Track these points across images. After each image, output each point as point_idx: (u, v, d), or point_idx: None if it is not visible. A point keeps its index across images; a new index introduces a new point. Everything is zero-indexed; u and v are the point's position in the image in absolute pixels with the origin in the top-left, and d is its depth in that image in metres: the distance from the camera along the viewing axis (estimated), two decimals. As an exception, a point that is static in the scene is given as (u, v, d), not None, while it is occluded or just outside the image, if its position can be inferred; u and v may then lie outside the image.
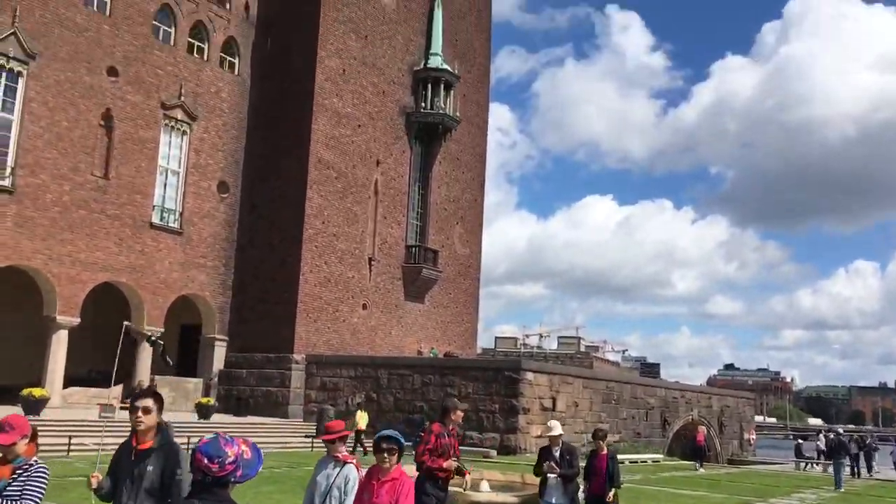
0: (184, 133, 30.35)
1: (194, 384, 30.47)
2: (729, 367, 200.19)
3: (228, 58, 32.47)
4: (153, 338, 26.62)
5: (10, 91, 25.01)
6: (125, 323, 8.71)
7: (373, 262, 33.46)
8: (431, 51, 36.73)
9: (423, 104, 36.06)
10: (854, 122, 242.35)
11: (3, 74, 24.82)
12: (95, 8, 27.68)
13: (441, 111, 36.13)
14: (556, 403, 26.48)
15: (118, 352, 7.76)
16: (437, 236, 36.96)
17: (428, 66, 36.30)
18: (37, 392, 21.71)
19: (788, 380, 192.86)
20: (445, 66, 36.49)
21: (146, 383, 26.42)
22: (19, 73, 25.15)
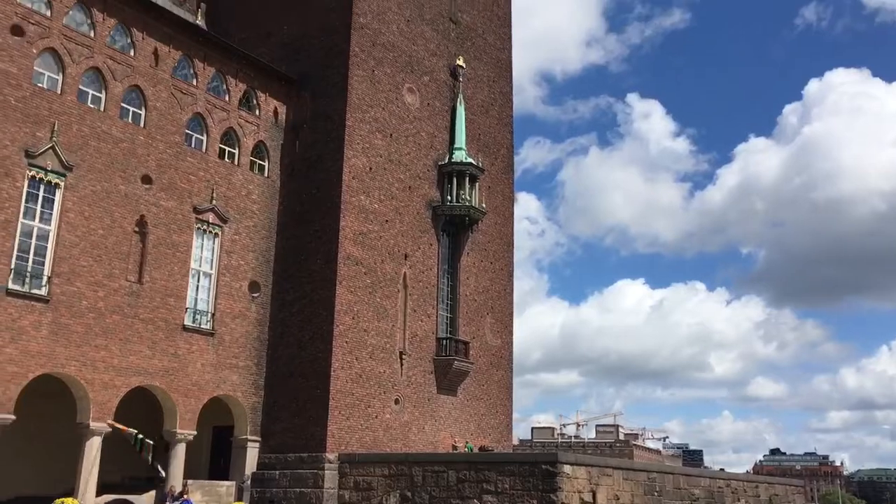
0: (215, 235, 30.93)
1: (227, 487, 30.05)
2: (775, 452, 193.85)
3: (258, 161, 33.36)
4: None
5: (48, 202, 25.80)
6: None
7: (404, 356, 33.29)
8: (455, 145, 37.47)
9: (448, 197, 36.55)
10: (883, 197, 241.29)
11: (41, 187, 25.66)
12: (130, 119, 28.74)
13: (467, 203, 36.57)
14: (597, 497, 25.65)
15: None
16: (467, 327, 36.81)
17: (452, 160, 36.97)
18: (69, 502, 21.51)
19: (838, 464, 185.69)
20: (469, 160, 37.13)
21: (178, 489, 26.11)
22: (56, 185, 25.99)
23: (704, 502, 31.33)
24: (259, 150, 33.44)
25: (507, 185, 41.37)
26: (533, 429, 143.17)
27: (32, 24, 25.95)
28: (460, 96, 38.31)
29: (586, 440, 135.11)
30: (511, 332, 39.63)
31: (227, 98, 32.24)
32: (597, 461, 27.87)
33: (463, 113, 38.16)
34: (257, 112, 33.46)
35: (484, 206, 37.76)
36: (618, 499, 26.64)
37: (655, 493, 28.70)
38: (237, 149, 32.42)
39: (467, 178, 36.89)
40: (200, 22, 35.69)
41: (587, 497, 25.42)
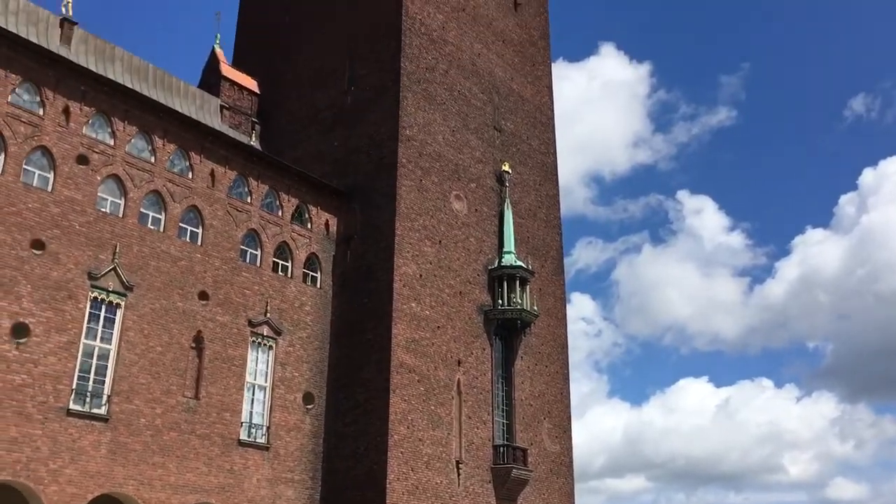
0: (269, 348, 31.24)
1: None
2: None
3: (310, 272, 33.95)
4: None
5: (109, 322, 26.50)
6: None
7: (460, 466, 32.56)
8: (504, 249, 37.69)
9: (500, 301, 36.49)
10: None
11: (103, 307, 26.42)
12: (188, 238, 29.69)
13: (518, 306, 36.42)
14: None
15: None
16: (524, 434, 36.00)
17: (502, 264, 37.11)
18: None
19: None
20: (519, 263, 37.23)
21: None
22: (117, 305, 26.75)
23: None
24: (311, 262, 34.08)
25: (559, 287, 41.20)
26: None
27: (97, 153, 27.37)
28: (507, 201, 38.79)
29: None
30: (570, 437, 38.62)
31: (279, 213, 33.18)
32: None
33: (511, 217, 38.54)
34: (309, 225, 34.29)
35: (536, 308, 37.56)
36: None
37: None
38: (290, 262, 33.10)
39: (518, 282, 36.88)
40: (255, 142, 37.23)
41: None
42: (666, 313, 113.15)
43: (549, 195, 42.47)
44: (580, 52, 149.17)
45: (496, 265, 37.18)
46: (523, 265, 37.35)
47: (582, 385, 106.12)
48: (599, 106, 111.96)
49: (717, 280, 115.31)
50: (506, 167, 39.43)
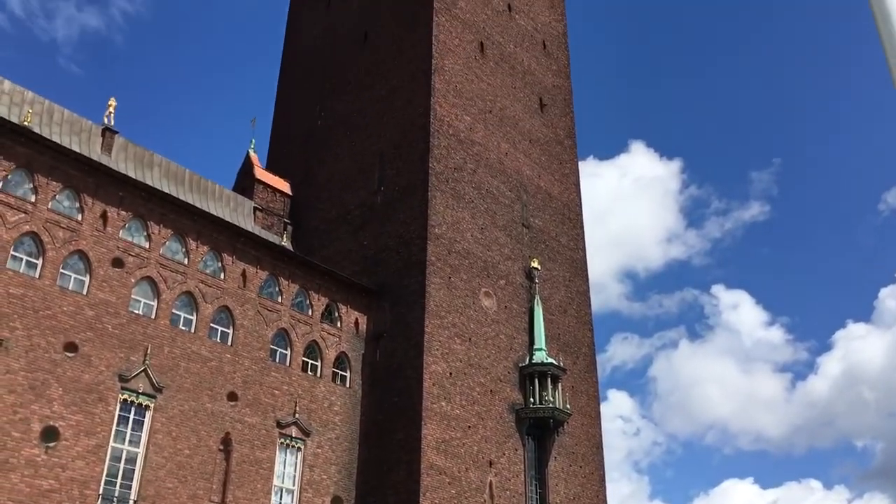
0: (298, 450, 30.85)
1: None
2: None
3: (340, 372, 33.81)
4: None
5: (137, 424, 26.46)
6: None
7: (494, 574, 31.35)
8: (535, 346, 37.32)
9: (531, 399, 35.88)
10: None
11: (132, 410, 26.45)
12: (219, 339, 29.87)
13: (550, 405, 35.76)
14: None
15: None
16: (560, 539, 34.70)
17: (533, 361, 36.68)
18: None
19: None
20: (551, 360, 36.77)
21: None
22: (147, 407, 26.75)
23: None
24: (341, 361, 34.00)
25: (592, 385, 40.47)
26: None
27: (132, 255, 27.98)
28: (537, 297, 38.67)
29: None
30: (607, 543, 37.12)
31: (310, 312, 33.36)
32: None
33: (541, 314, 38.32)
34: (339, 324, 34.37)
35: (569, 406, 36.84)
36: None
37: None
38: (319, 361, 33.05)
39: (549, 379, 36.33)
40: (286, 243, 37.83)
41: None
42: (706, 411, 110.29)
43: (579, 291, 42.28)
44: (611, 149, 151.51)
45: (527, 362, 36.75)
46: (554, 362, 36.88)
47: (622, 486, 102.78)
48: (631, 202, 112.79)
49: (757, 376, 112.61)
50: (535, 263, 39.48)
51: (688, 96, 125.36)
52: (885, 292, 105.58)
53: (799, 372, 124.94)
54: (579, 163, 45.93)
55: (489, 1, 44.32)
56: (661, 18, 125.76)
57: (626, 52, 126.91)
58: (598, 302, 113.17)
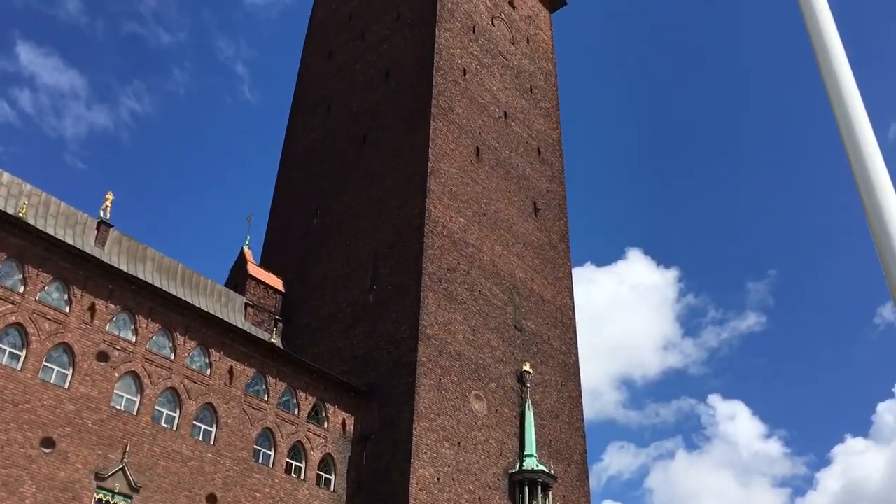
0: (277, 557, 29.64)
1: None
2: None
3: (324, 475, 32.88)
4: None
5: (111, 526, 25.49)
6: None
7: None
8: (526, 452, 36.46)
9: (521, 508, 34.79)
10: None
11: (106, 510, 25.54)
12: (201, 437, 29.17)
13: (541, 515, 34.64)
14: None
15: None
16: None
17: (523, 468, 35.75)
18: None
19: None
20: (541, 467, 35.85)
21: None
22: (122, 508, 25.85)
23: None
24: (326, 463, 33.13)
25: (584, 494, 39.33)
26: None
27: (118, 349, 27.64)
28: (528, 402, 38.05)
29: None
30: None
31: (296, 412, 32.73)
32: None
33: (532, 419, 37.63)
34: (325, 424, 33.67)
35: (559, 516, 35.68)
36: None
37: None
38: (304, 462, 32.19)
39: (539, 487, 35.33)
40: (276, 340, 37.49)
41: None
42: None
43: (571, 396, 41.66)
44: (608, 256, 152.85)
45: (517, 469, 35.82)
46: (545, 469, 35.95)
47: None
48: (628, 310, 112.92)
49: (756, 490, 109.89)
50: (527, 367, 39.05)
51: (686, 205, 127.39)
52: (882, 406, 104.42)
53: (798, 487, 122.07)
54: (576, 268, 46.37)
55: (486, 108, 45.52)
56: (658, 128, 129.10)
57: (625, 161, 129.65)
58: (593, 409, 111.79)
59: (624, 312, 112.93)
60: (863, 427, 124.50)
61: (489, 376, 37.20)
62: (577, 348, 43.34)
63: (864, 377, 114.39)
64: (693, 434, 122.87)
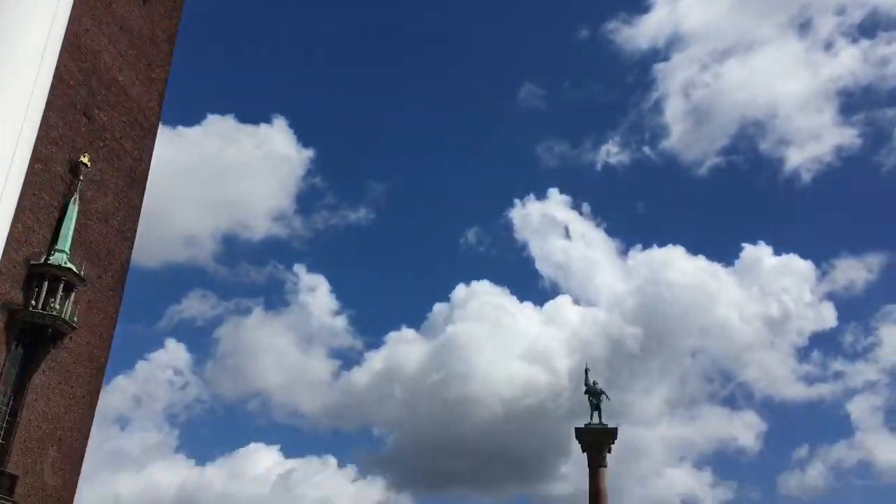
0: None
1: None
2: None
3: None
4: None
5: None
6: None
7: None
8: (57, 246, 33.04)
9: (33, 303, 31.62)
10: (503, 403, 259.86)
11: None
12: None
13: (54, 313, 31.82)
14: None
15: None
16: (22, 458, 30.89)
17: (49, 261, 32.42)
18: None
19: None
20: (70, 266, 32.83)
21: None
22: None
23: None
24: None
25: (114, 305, 37.17)
26: None
27: None
28: (76, 196, 34.37)
29: None
30: (78, 473, 34.07)
31: None
32: None
33: (76, 214, 34.12)
34: None
35: (77, 320, 33.19)
36: None
37: None
38: None
39: (62, 286, 32.39)
40: None
41: None
42: (257, 380, 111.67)
43: (131, 204, 38.70)
44: (252, 117, 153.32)
45: (41, 261, 32.35)
46: (74, 269, 33.01)
47: (150, 436, 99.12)
48: (254, 173, 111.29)
49: (313, 356, 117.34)
50: (85, 159, 35.10)
51: (342, 96, 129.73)
52: (438, 307, 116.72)
53: (349, 360, 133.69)
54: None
55: None
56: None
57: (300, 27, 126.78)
58: (187, 254, 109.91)
59: (250, 174, 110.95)
60: (418, 321, 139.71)
61: (34, 156, 32.57)
62: (150, 157, 40.12)
63: (434, 280, 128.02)
64: (274, 296, 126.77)
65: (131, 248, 38.69)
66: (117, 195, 37.76)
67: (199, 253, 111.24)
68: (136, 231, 39.13)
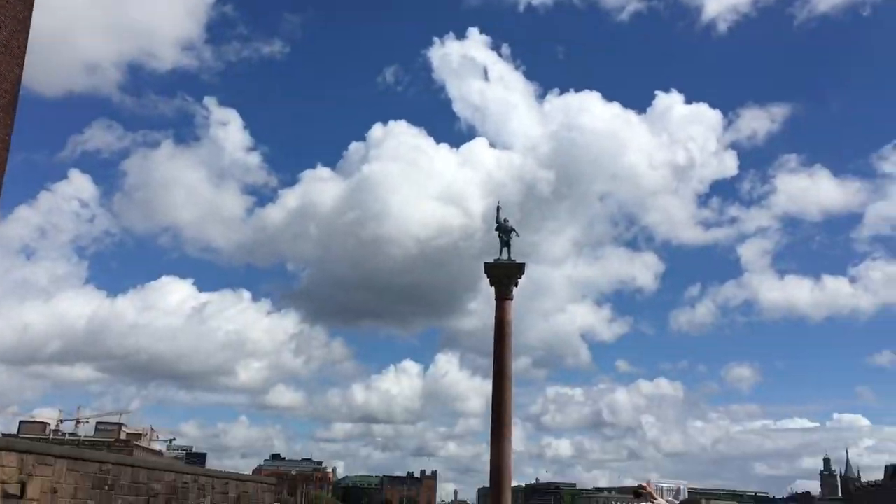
0: None
1: None
2: (276, 457, 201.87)
3: None
4: None
5: None
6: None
7: None
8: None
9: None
10: (417, 242, 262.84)
11: None
12: None
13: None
14: (26, 489, 21.93)
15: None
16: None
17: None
18: None
19: (330, 470, 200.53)
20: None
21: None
22: None
23: (164, 498, 29.26)
24: None
25: (5, 128, 34.98)
26: (21, 422, 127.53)
27: None
28: (-43, 5, 31.42)
29: (83, 438, 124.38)
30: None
31: None
32: (35, 447, 24.07)
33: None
34: None
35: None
36: (55, 492, 23.18)
37: (106, 487, 25.81)
38: None
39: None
40: None
41: (13, 489, 21.57)
42: (168, 214, 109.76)
43: (18, 18, 35.59)
44: None
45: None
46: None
47: (58, 266, 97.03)
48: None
49: (225, 192, 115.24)
50: (-35, -37, 31.86)
51: None
52: (354, 146, 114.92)
53: (264, 197, 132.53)
54: None
55: None
56: None
57: None
58: (86, 84, 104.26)
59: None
60: (333, 159, 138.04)
61: None
62: (39, -33, 36.78)
63: (350, 119, 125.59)
64: (184, 129, 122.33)
65: (21, 66, 36.04)
66: (4, 8, 34.71)
67: (102, 82, 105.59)
68: (25, 48, 36.37)
